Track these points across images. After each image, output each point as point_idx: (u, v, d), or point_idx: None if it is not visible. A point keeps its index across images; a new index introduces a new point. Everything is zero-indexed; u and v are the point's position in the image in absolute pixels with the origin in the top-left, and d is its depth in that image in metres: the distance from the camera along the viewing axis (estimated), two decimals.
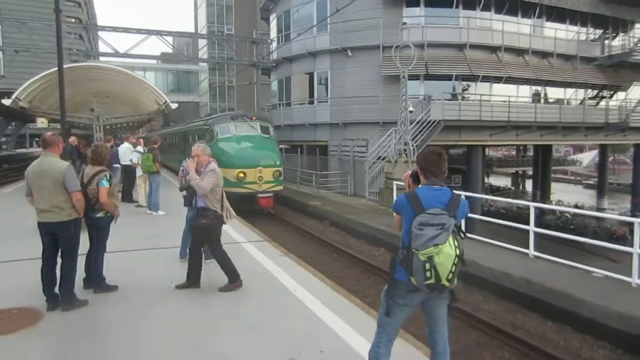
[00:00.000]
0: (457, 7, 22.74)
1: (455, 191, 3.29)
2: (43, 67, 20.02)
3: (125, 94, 22.21)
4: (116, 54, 27.00)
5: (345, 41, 23.34)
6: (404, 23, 20.16)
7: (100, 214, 5.72)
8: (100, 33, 29.10)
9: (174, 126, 33.23)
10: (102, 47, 74.26)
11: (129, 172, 13.42)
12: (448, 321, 3.43)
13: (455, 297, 3.36)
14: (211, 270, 7.01)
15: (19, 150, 63.14)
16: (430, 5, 22.81)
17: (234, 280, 6.02)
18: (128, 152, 13.33)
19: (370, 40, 22.52)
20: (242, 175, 14.75)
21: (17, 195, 15.62)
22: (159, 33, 27.48)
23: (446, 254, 2.92)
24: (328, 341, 4.49)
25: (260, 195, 14.98)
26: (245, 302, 5.62)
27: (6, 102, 18.60)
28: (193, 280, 6.08)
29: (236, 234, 9.36)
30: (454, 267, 2.95)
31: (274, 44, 29.94)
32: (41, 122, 22.03)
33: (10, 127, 56.54)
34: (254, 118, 17.26)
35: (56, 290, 5.34)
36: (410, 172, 3.62)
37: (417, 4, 22.80)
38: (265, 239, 8.98)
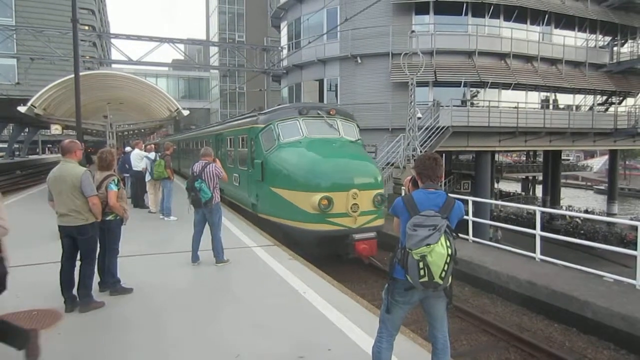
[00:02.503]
0: (466, 14, 22.87)
1: (452, 195, 3.48)
2: (57, 75, 20.47)
3: (138, 100, 22.56)
4: (129, 61, 27.43)
5: (354, 48, 23.55)
6: (413, 31, 20.32)
7: (110, 217, 5.94)
8: (113, 41, 29.56)
9: (199, 129, 28.69)
10: (115, 55, 75.17)
11: (140, 178, 13.65)
12: (448, 319, 3.60)
13: (451, 296, 3.48)
14: (223, 272, 7.19)
15: (31, 157, 64.08)
16: (439, 13, 22.94)
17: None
18: (139, 159, 13.58)
19: (379, 48, 22.71)
20: (325, 203, 9.20)
21: (31, 201, 15.97)
22: (171, 41, 27.88)
23: (438, 253, 3.07)
24: (336, 340, 4.64)
25: (357, 237, 9.35)
26: (256, 303, 5.78)
27: (22, 109, 19.00)
28: None
29: (247, 239, 9.54)
30: (446, 265, 3.10)
31: (285, 51, 30.22)
32: (55, 129, 22.43)
33: (23, 134, 57.44)
34: (332, 112, 11.38)
35: (74, 292, 5.55)
36: (410, 177, 3.81)
37: (426, 12, 22.96)
38: (275, 243, 9.14)
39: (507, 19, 23.49)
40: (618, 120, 25.46)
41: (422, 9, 22.91)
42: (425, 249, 3.07)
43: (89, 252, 5.50)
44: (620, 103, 27.75)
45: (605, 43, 27.62)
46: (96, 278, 5.99)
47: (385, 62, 22.52)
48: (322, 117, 11.10)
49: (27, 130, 55.71)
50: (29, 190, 20.06)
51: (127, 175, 14.12)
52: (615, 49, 27.26)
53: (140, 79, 20.18)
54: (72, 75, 12.77)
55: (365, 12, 17.74)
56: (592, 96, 26.83)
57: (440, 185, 3.61)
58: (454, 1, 22.41)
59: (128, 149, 15.70)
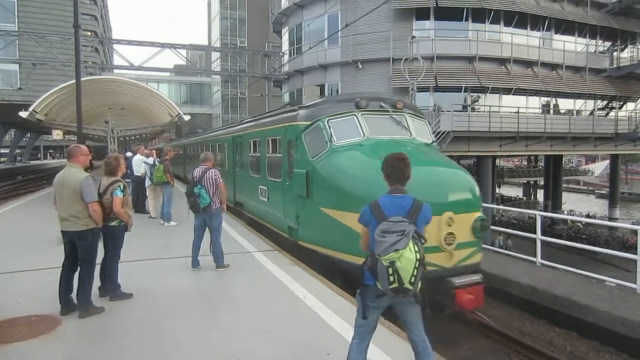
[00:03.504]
0: (466, 20, 22.99)
1: (418, 199, 3.41)
2: (59, 80, 20.59)
3: (139, 106, 22.68)
4: (131, 66, 27.53)
5: (355, 54, 23.65)
6: (413, 37, 20.40)
7: (114, 223, 5.94)
8: (115, 46, 29.71)
9: (209, 131, 25.44)
10: (117, 60, 75.38)
11: (141, 184, 13.66)
12: (425, 323, 3.57)
13: (425, 302, 3.45)
14: (223, 277, 7.19)
15: (33, 162, 64.20)
16: (439, 19, 23.05)
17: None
18: (139, 163, 13.58)
19: (380, 53, 22.80)
20: None
21: (33, 206, 16.00)
22: (173, 46, 28.01)
23: (407, 258, 3.06)
24: (334, 344, 4.62)
25: (457, 282, 6.38)
26: (255, 307, 5.77)
27: (23, 114, 19.12)
28: None
29: (247, 243, 9.53)
30: (415, 270, 3.09)
31: (286, 57, 30.37)
32: (57, 134, 22.57)
33: (24, 139, 57.63)
34: (399, 105, 8.42)
35: (73, 296, 5.55)
36: None
37: (426, 18, 23.07)
38: (275, 249, 9.13)
39: (508, 24, 23.59)
40: (619, 124, 25.52)
41: (422, 15, 23.01)
42: (394, 255, 3.06)
43: (88, 258, 5.50)
44: (620, 108, 27.83)
45: (605, 48, 27.73)
46: (96, 283, 6.00)
47: (386, 68, 22.59)
48: (387, 111, 8.19)
49: (28, 135, 55.90)
50: (30, 196, 20.07)
51: (129, 180, 14.13)
52: (615, 54, 27.38)
53: (141, 85, 20.30)
54: (74, 81, 12.82)
55: (366, 17, 17.83)
56: (593, 101, 26.90)
57: None
58: (454, 7, 22.49)
59: (129, 154, 15.72)
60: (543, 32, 24.88)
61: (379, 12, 19.85)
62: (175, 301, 6.03)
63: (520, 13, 23.32)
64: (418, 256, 3.10)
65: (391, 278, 3.11)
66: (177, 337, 4.88)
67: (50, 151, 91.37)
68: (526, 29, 24.47)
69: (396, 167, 3.46)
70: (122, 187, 5.89)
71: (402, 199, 3.37)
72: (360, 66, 23.58)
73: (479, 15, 22.98)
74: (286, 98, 31.01)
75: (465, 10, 22.85)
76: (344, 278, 6.96)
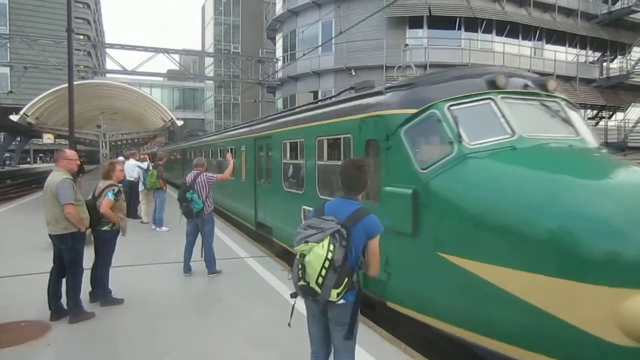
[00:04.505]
0: (459, 29, 23.22)
1: (366, 209, 3.18)
2: (50, 84, 20.46)
3: (132, 110, 22.60)
4: (124, 71, 27.43)
5: (349, 61, 23.78)
6: (406, 44, 20.57)
7: (106, 227, 5.90)
8: (108, 50, 29.59)
9: (219, 132, 20.59)
10: (110, 64, 75.25)
11: (133, 188, 13.57)
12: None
13: (352, 326, 3.13)
14: (215, 283, 7.15)
15: (22, 166, 63.63)
16: (432, 27, 23.27)
17: None
18: (132, 168, 13.50)
19: (373, 61, 22.95)
20: None
21: (22, 211, 15.86)
22: (166, 51, 27.96)
23: (316, 253, 2.85)
24: None
25: None
26: (246, 313, 5.73)
27: (14, 117, 18.98)
28: None
29: (239, 249, 9.49)
30: (323, 270, 2.85)
31: (280, 63, 30.45)
32: (47, 138, 22.39)
33: (14, 143, 57.14)
34: (552, 86, 5.44)
35: (63, 302, 5.49)
36: None
37: (420, 26, 23.27)
38: (267, 255, 9.10)
39: (500, 33, 23.86)
40: (608, 134, 25.81)
41: (415, 23, 23.22)
42: (303, 247, 2.89)
43: (72, 262, 5.45)
44: (610, 117, 28.15)
45: (595, 58, 28.10)
46: (87, 288, 5.95)
47: (379, 75, 22.70)
48: (536, 94, 5.37)
49: (18, 139, 55.42)
50: (20, 200, 19.88)
51: (121, 185, 14.02)
52: (605, 64, 27.74)
53: (134, 89, 20.26)
54: (66, 85, 12.75)
55: (360, 25, 17.94)
56: (583, 110, 27.18)
57: None
58: (447, 16, 22.71)
59: (121, 158, 15.63)
60: (534, 42, 25.21)
61: (373, 20, 19.96)
62: (167, 307, 5.99)
63: (512, 23, 23.60)
64: (330, 255, 2.84)
65: (300, 273, 2.94)
66: (167, 343, 4.84)
67: (40, 155, 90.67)
68: (518, 38, 24.76)
69: (351, 175, 3.26)
70: (115, 191, 5.87)
71: (348, 204, 3.18)
72: (353, 73, 23.70)
73: (472, 24, 23.23)
74: (279, 104, 31.06)
75: (457, 19, 23.09)
76: None
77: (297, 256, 2.96)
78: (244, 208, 12.22)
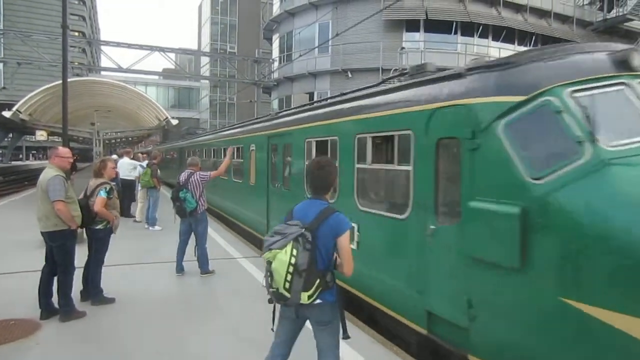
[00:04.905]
0: (455, 33, 23.30)
1: (332, 208, 3.15)
2: (44, 80, 20.33)
3: (127, 108, 22.48)
4: (119, 69, 27.29)
5: (345, 63, 23.80)
6: (403, 47, 20.63)
7: (99, 226, 5.85)
8: (103, 48, 29.41)
9: (224, 129, 17.32)
10: (105, 62, 74.93)
11: (127, 187, 13.48)
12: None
13: (342, 325, 3.15)
14: (208, 283, 7.10)
15: (15, 163, 63.17)
16: (429, 31, 23.35)
17: None
18: (131, 168, 13.40)
19: (370, 63, 22.98)
20: None
21: (14, 207, 15.72)
22: (162, 50, 27.85)
23: (280, 260, 2.90)
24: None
25: None
26: (240, 315, 5.70)
27: (6, 114, 18.81)
28: None
29: (232, 249, 9.44)
30: (288, 275, 2.89)
31: (276, 64, 30.43)
32: (40, 135, 22.25)
33: (6, 139, 56.73)
34: None
35: (53, 300, 5.43)
36: None
37: (416, 29, 23.34)
38: (260, 255, 9.05)
39: (496, 38, 23.99)
40: None
41: (412, 27, 23.28)
42: (268, 254, 2.95)
43: (63, 261, 5.39)
44: None
45: None
46: (79, 287, 5.89)
47: (376, 77, 22.70)
48: None
49: (11, 135, 55.01)
50: (11, 197, 19.71)
51: (113, 183, 13.92)
52: None
53: (129, 87, 20.16)
54: (60, 81, 12.65)
55: (357, 27, 17.94)
56: None
57: None
58: (443, 20, 22.80)
59: (114, 157, 15.53)
60: (530, 48, 25.35)
61: (370, 22, 20.01)
62: (158, 307, 5.93)
63: (508, 28, 23.73)
64: (293, 260, 2.88)
65: (269, 279, 3.00)
66: (159, 343, 4.80)
67: (33, 152, 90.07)
68: (514, 44, 24.89)
69: (316, 176, 3.25)
70: (107, 189, 5.82)
71: (315, 204, 3.19)
72: (350, 75, 23.73)
73: (468, 28, 23.34)
74: (275, 105, 31.04)
75: (454, 23, 23.18)
76: None
77: (265, 263, 3.00)
78: (253, 215, 10.80)
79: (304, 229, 2.97)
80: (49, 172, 5.33)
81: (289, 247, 2.90)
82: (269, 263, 2.95)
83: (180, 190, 7.32)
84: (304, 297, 2.93)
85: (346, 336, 3.15)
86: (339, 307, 3.15)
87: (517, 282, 3.59)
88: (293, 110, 9.58)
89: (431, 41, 23.49)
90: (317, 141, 7.49)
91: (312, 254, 2.93)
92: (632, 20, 26.30)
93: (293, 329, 3.30)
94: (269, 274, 2.98)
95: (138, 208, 12.98)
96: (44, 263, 5.49)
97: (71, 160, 5.94)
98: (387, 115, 5.45)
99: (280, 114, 10.33)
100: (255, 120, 12.55)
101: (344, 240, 3.07)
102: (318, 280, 2.96)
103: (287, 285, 2.90)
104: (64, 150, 5.66)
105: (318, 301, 3.02)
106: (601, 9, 27.61)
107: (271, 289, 3.01)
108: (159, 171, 12.44)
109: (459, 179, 4.22)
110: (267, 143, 9.80)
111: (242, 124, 13.92)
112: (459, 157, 4.24)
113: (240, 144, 12.02)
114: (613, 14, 26.90)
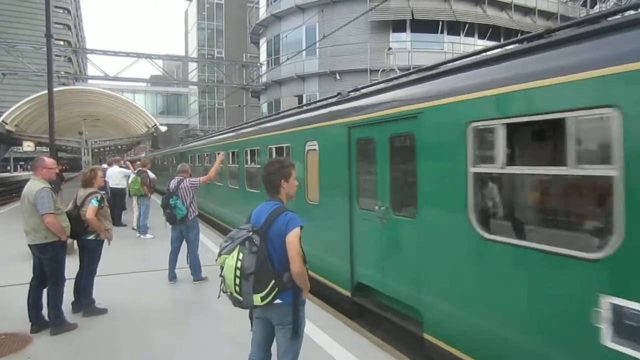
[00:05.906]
0: (441, 32, 23.46)
1: (282, 207, 3.15)
2: (30, 90, 20.13)
3: (115, 117, 22.33)
4: (105, 77, 27.09)
5: (333, 65, 23.84)
6: (390, 48, 20.71)
7: (91, 237, 5.79)
8: (89, 56, 29.16)
9: (231, 129, 13.80)
10: (91, 70, 74.41)
11: (117, 196, 13.37)
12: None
13: (296, 324, 3.13)
14: (200, 290, 7.05)
15: (2, 175, 62.46)
16: (415, 31, 23.48)
17: None
18: (120, 176, 13.28)
19: (358, 64, 23.05)
20: None
21: (1, 220, 15.53)
22: (149, 56, 27.68)
23: (228, 265, 2.97)
24: (315, 356, 4.55)
25: None
26: (233, 320, 5.64)
27: None
28: None
29: None
30: (236, 279, 2.94)
31: (264, 68, 30.40)
32: (27, 146, 22.00)
33: None
34: None
35: (43, 313, 5.36)
36: None
37: (403, 30, 23.46)
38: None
39: (482, 37, 24.18)
40: None
41: (399, 27, 23.40)
42: (220, 259, 3.03)
43: (54, 272, 5.32)
44: None
45: None
46: (69, 298, 5.81)
47: (364, 78, 22.79)
48: None
49: None
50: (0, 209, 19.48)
51: (103, 192, 13.80)
52: None
53: (117, 95, 20.02)
54: (46, 91, 12.55)
55: (344, 29, 18.00)
56: None
57: None
58: (429, 19, 22.92)
59: (104, 166, 15.40)
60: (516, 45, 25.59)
61: (357, 24, 20.05)
62: (151, 316, 5.88)
63: (493, 26, 23.92)
64: (239, 264, 2.93)
65: (223, 283, 3.07)
66: (152, 353, 4.75)
67: (20, 163, 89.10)
68: (500, 41, 25.09)
69: (264, 177, 3.28)
70: (99, 198, 5.77)
71: (268, 206, 3.19)
72: (338, 77, 23.77)
73: (454, 28, 23.49)
74: (264, 109, 31.00)
75: (440, 23, 23.32)
76: None
77: (220, 269, 3.07)
78: (324, 255, 6.81)
79: (251, 232, 3.01)
80: (36, 184, 5.24)
81: (235, 252, 2.96)
82: (222, 268, 3.02)
83: (171, 197, 7.27)
84: (257, 299, 2.96)
85: (294, 335, 3.13)
86: (293, 306, 3.12)
87: None
88: (407, 79, 5.64)
89: (418, 41, 23.61)
90: (391, 137, 5.16)
91: (260, 256, 2.94)
92: (615, 16, 26.58)
93: (266, 328, 3.31)
94: (222, 278, 3.05)
95: (135, 216, 12.87)
96: (32, 276, 5.41)
97: (57, 171, 5.89)
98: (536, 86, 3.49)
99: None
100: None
101: (290, 238, 3.01)
102: (273, 281, 2.96)
103: (237, 288, 2.97)
104: (49, 162, 5.59)
105: (277, 301, 3.03)
106: (584, 5, 27.94)
107: (227, 293, 3.07)
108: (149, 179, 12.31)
109: None
110: (346, 137, 6.18)
111: (278, 115, 10.08)
112: None
113: (281, 143, 8.52)
114: (596, 9, 27.22)
